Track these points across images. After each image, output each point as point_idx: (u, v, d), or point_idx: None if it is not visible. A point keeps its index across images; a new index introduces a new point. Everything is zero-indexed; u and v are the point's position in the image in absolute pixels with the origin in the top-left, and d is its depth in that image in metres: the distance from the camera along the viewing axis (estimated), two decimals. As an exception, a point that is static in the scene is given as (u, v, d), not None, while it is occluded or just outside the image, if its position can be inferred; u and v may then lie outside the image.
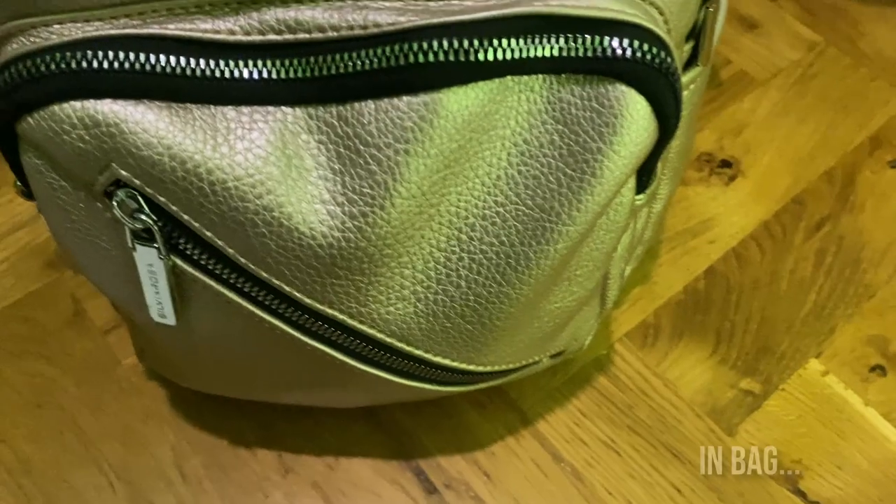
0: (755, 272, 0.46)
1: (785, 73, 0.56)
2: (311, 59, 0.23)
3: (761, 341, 0.44)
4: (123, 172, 0.23)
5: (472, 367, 0.31)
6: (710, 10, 0.28)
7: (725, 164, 0.51)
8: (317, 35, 0.23)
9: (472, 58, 0.22)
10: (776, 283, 0.46)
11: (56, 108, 0.22)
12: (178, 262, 0.25)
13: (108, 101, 0.23)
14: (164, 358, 0.35)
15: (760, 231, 0.48)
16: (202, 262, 0.25)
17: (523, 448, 0.39)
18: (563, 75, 0.24)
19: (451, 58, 0.22)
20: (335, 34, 0.23)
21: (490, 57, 0.23)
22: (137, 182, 0.23)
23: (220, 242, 0.24)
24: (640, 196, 0.28)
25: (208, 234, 0.24)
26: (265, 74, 0.23)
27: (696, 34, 0.29)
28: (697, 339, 0.44)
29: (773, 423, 0.41)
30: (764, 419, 0.41)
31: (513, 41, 0.23)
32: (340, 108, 0.24)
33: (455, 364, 0.30)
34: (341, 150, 0.24)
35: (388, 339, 0.28)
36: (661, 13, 0.25)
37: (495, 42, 0.23)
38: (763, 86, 0.55)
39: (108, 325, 0.42)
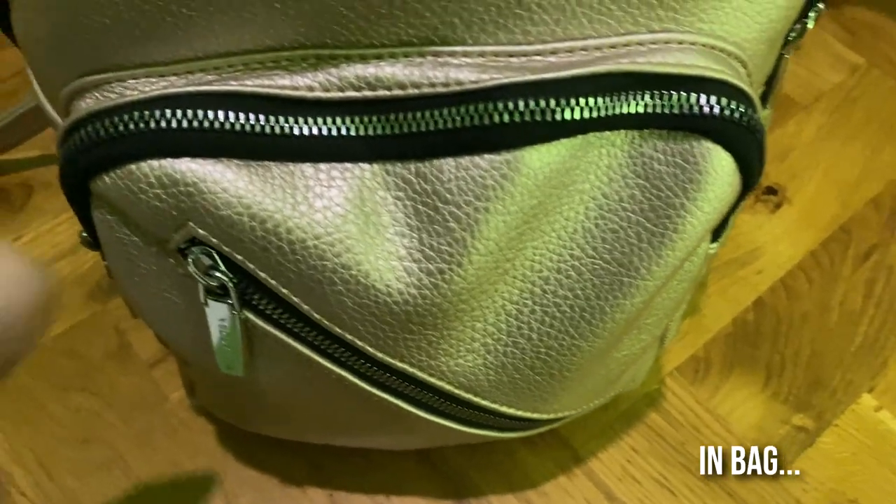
0: (804, 304, 0.46)
1: (828, 96, 0.55)
2: (391, 117, 0.23)
3: (812, 375, 0.43)
4: (200, 231, 0.23)
5: (535, 416, 0.30)
6: (787, 56, 0.27)
7: (771, 191, 0.50)
8: (397, 92, 0.23)
9: (557, 117, 0.22)
10: (826, 315, 0.45)
11: (133, 167, 0.22)
12: (251, 316, 0.25)
13: (186, 159, 0.22)
14: (218, 398, 0.34)
15: (808, 261, 0.47)
16: (275, 317, 0.25)
17: (575, 486, 0.39)
18: (646, 130, 0.23)
19: (537, 117, 0.22)
20: (416, 91, 0.22)
21: (576, 115, 0.22)
22: (214, 241, 0.23)
23: (295, 299, 0.24)
24: (714, 245, 0.27)
25: (284, 291, 0.24)
26: (343, 131, 0.23)
27: (769, 79, 0.28)
28: (748, 373, 0.43)
29: (826, 461, 0.40)
30: (818, 456, 0.40)
31: (598, 99, 0.22)
32: (419, 164, 0.23)
33: (520, 413, 0.29)
34: (419, 206, 0.23)
35: (456, 391, 0.28)
36: (745, 66, 0.24)
37: (581, 101, 0.22)
38: (806, 109, 0.54)
39: (153, 359, 0.42)
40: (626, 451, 0.40)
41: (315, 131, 0.23)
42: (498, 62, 0.23)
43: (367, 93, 0.23)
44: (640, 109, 0.23)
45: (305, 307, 0.24)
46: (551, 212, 0.24)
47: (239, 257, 0.23)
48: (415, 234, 0.24)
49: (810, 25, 0.26)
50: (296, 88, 0.23)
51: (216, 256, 0.23)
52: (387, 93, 0.23)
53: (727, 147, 0.23)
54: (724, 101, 0.23)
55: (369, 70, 0.23)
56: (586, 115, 0.22)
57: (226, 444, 0.39)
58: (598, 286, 0.25)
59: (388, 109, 0.23)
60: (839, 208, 0.50)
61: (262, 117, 0.22)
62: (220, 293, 0.24)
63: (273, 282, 0.24)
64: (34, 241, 0.45)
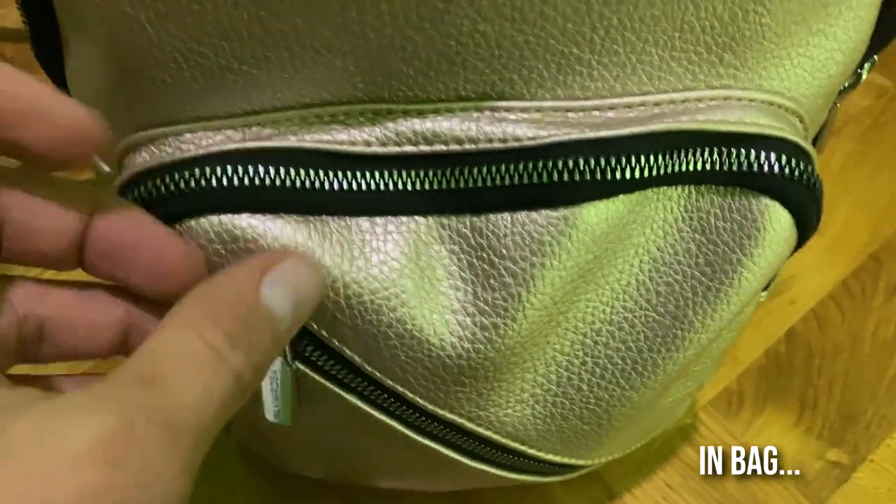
0: (836, 335, 0.45)
1: (856, 120, 0.55)
2: (448, 171, 0.23)
3: (846, 409, 0.43)
4: (257, 287, 0.23)
5: (580, 462, 0.30)
6: (838, 105, 0.27)
7: (801, 219, 0.50)
8: (454, 147, 0.22)
9: (616, 176, 0.22)
10: (858, 347, 0.45)
11: (192, 222, 0.22)
12: (302, 367, 0.25)
13: (245, 215, 0.22)
14: (255, 437, 0.34)
15: (839, 290, 0.47)
16: (326, 369, 0.25)
17: (610, 522, 0.39)
18: (704, 186, 0.23)
19: (597, 176, 0.22)
20: (473, 147, 0.22)
21: (636, 175, 0.22)
22: (270, 296, 0.23)
23: (349, 352, 0.24)
24: (764, 293, 0.27)
25: (338, 344, 0.24)
26: (400, 186, 0.23)
27: (821, 127, 0.28)
28: (782, 406, 0.43)
29: (863, 497, 0.40)
30: (854, 492, 0.40)
31: (658, 157, 0.22)
32: (474, 218, 0.23)
33: (565, 460, 0.29)
34: (473, 260, 0.23)
35: (504, 440, 0.27)
36: (803, 121, 0.24)
37: (642, 159, 0.22)
38: (835, 135, 0.54)
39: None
40: (660, 487, 0.40)
41: (372, 186, 0.23)
42: (555, 117, 0.23)
43: (424, 147, 0.23)
44: (700, 167, 0.23)
45: (358, 360, 0.24)
46: (606, 265, 0.24)
47: (294, 311, 0.23)
48: (469, 288, 0.24)
49: (864, 76, 0.26)
50: (353, 143, 0.23)
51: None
52: (444, 147, 0.22)
53: (785, 203, 0.23)
54: (783, 158, 0.22)
55: (426, 125, 0.22)
56: (645, 173, 0.22)
57: (260, 481, 0.39)
58: (650, 339, 0.25)
59: (444, 164, 0.23)
60: (869, 236, 0.50)
61: (321, 172, 0.22)
62: (273, 345, 0.24)
63: (326, 334, 0.24)
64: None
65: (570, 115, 0.23)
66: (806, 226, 0.24)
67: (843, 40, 0.23)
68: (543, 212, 0.22)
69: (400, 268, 0.23)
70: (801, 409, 0.43)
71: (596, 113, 0.23)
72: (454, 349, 0.24)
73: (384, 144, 0.23)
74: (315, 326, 0.23)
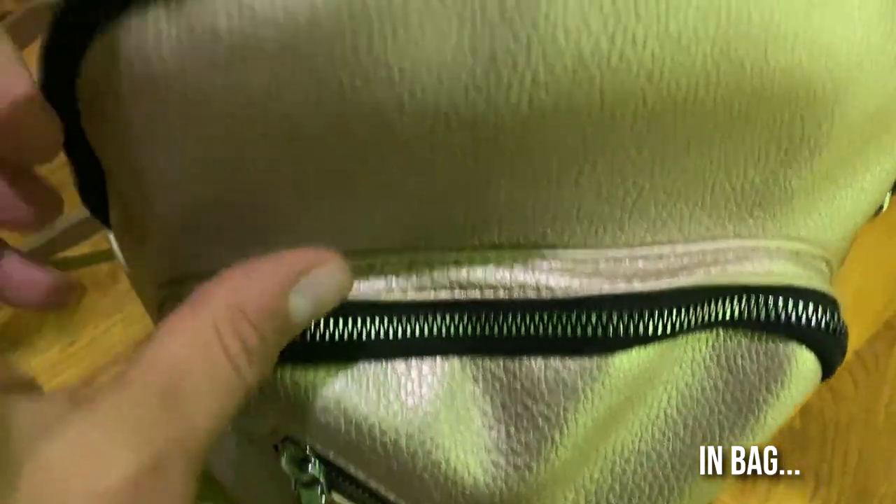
0: (850, 407, 0.46)
1: (867, 181, 0.56)
2: (482, 318, 0.23)
3: (860, 484, 0.43)
4: (296, 432, 0.23)
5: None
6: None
7: (814, 286, 0.50)
8: (488, 294, 0.23)
9: (649, 331, 0.22)
10: (872, 419, 0.45)
11: (234, 374, 0.23)
12: (337, 497, 0.26)
13: (287, 366, 0.23)
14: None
15: (853, 360, 0.48)
16: (362, 499, 0.25)
17: None
18: (732, 329, 0.24)
19: (630, 331, 0.22)
20: (506, 295, 0.23)
21: (668, 329, 0.23)
22: (309, 440, 0.23)
23: (383, 490, 0.25)
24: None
25: (373, 483, 0.24)
26: (435, 331, 0.23)
27: (842, 250, 0.29)
28: (796, 482, 0.43)
29: (877, 576, 0.41)
30: (868, 571, 0.41)
31: (690, 310, 0.23)
32: (508, 361, 0.24)
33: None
34: (507, 401, 0.24)
35: (530, 559, 0.28)
36: (828, 264, 0.24)
37: (674, 314, 0.23)
38: (847, 198, 0.55)
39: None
40: (678, 568, 0.40)
41: (408, 332, 0.23)
42: (586, 267, 0.23)
43: (459, 294, 0.23)
44: (729, 315, 0.23)
45: (392, 496, 0.25)
46: (636, 402, 0.25)
47: (331, 453, 0.24)
48: (502, 426, 0.24)
49: (885, 208, 0.27)
50: (390, 290, 0.23)
51: (308, 452, 0.24)
52: (478, 295, 0.23)
53: (811, 347, 0.24)
54: (810, 308, 0.23)
55: (462, 273, 0.23)
56: (677, 327, 0.23)
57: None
58: (677, 469, 0.26)
59: (479, 310, 0.23)
60: (883, 304, 0.50)
61: (358, 321, 0.23)
62: (308, 482, 0.25)
63: (362, 475, 0.24)
64: (90, 345, 0.46)
65: (602, 264, 0.23)
66: (831, 366, 0.24)
67: (870, 191, 0.24)
68: (577, 359, 0.23)
69: (435, 411, 0.24)
70: (817, 485, 0.43)
71: (627, 262, 0.23)
72: (487, 488, 0.24)
73: (420, 290, 0.23)
74: (352, 468, 0.24)
